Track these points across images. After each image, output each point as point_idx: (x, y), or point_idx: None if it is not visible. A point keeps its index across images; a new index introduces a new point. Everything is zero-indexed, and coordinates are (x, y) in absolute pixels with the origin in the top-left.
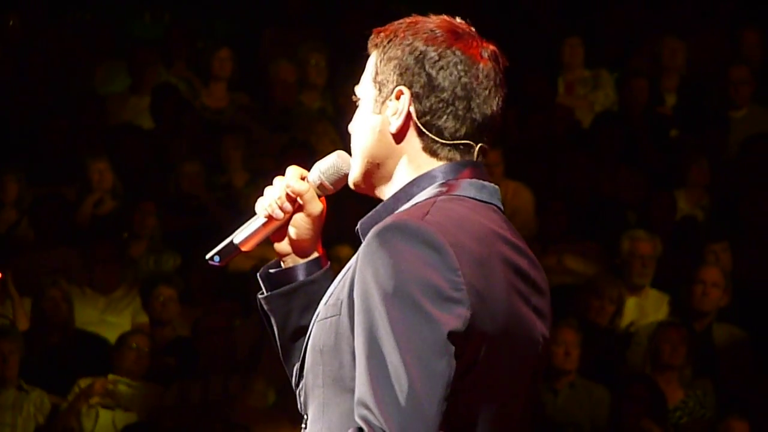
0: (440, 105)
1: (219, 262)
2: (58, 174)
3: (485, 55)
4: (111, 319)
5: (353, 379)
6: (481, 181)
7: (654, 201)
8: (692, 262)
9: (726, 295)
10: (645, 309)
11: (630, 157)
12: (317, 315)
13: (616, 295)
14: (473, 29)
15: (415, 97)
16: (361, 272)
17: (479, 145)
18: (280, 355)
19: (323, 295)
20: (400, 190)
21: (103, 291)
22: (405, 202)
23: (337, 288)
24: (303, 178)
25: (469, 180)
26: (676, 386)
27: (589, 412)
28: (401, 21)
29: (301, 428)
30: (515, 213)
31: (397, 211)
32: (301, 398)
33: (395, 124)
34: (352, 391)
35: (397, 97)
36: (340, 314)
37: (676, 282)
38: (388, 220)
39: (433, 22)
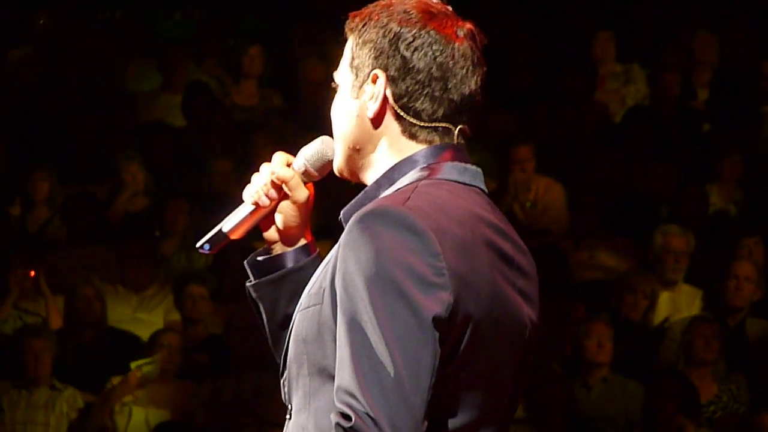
0: (416, 87)
1: (209, 249)
2: (90, 172)
3: (461, 33)
4: (143, 317)
5: None
6: (462, 164)
7: (686, 196)
8: (725, 256)
9: (759, 289)
10: (678, 304)
11: (662, 151)
12: (300, 304)
13: (649, 291)
14: (449, 8)
15: (391, 80)
16: (342, 259)
17: (459, 126)
18: (270, 342)
19: None
20: (382, 175)
21: (136, 289)
22: (387, 187)
23: (319, 277)
24: (290, 165)
25: (450, 163)
26: (709, 381)
27: (622, 407)
28: (376, 3)
29: (286, 419)
30: (547, 209)
31: (378, 198)
32: (285, 388)
33: (372, 108)
34: None
35: (374, 81)
36: (322, 303)
37: (709, 277)
38: (369, 206)
39: (408, 3)
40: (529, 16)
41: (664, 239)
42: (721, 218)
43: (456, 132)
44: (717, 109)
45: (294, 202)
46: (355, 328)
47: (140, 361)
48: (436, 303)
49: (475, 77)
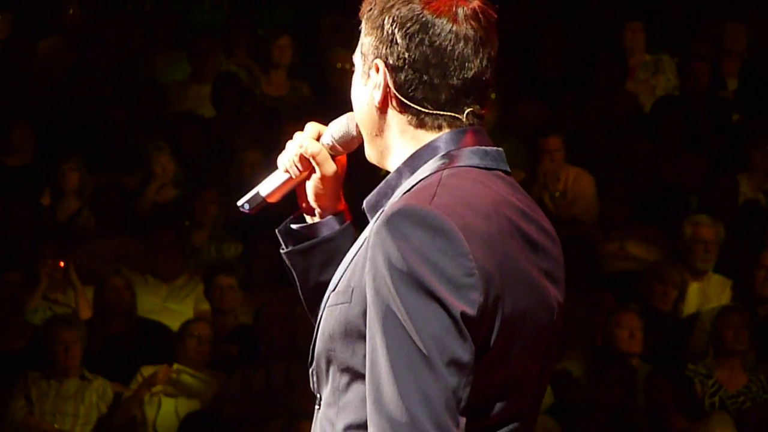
0: (415, 76)
1: (249, 209)
2: (120, 163)
3: (461, 14)
4: (173, 307)
5: (365, 366)
6: (483, 147)
7: (716, 186)
8: (755, 247)
9: None
10: (708, 294)
11: (692, 141)
12: (326, 299)
13: (678, 281)
14: None
15: (391, 70)
16: (372, 261)
17: (468, 110)
18: (305, 306)
19: (342, 253)
20: (403, 163)
21: (165, 279)
22: (409, 176)
23: (346, 273)
24: (320, 137)
25: (471, 148)
26: (739, 371)
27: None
28: None
29: (315, 408)
30: (576, 199)
31: (401, 188)
32: (314, 378)
33: (376, 97)
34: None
35: (376, 70)
36: (350, 302)
37: (738, 267)
38: (396, 205)
39: None
40: (559, 6)
41: (694, 229)
42: (751, 208)
43: (465, 116)
44: (746, 99)
45: (322, 176)
46: (388, 330)
47: (184, 368)
48: (467, 303)
49: (480, 57)
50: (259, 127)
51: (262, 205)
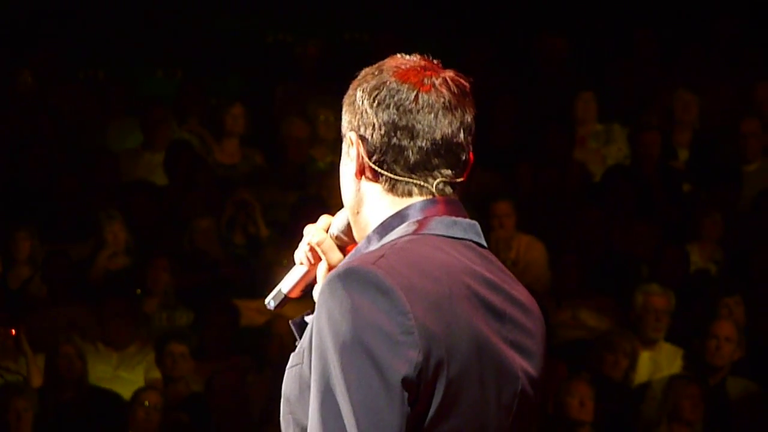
0: (384, 139)
1: (274, 307)
2: (71, 231)
3: (428, 82)
4: (124, 375)
5: None
6: (452, 218)
7: (667, 255)
8: (706, 316)
9: (740, 349)
10: (659, 363)
11: (643, 211)
12: (288, 363)
13: (629, 350)
14: (431, 62)
15: (363, 139)
16: (316, 320)
17: (439, 177)
18: None
19: None
20: (372, 231)
21: (117, 347)
22: (377, 243)
23: (305, 335)
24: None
25: (439, 217)
26: None
27: None
28: (364, 70)
29: None
30: (528, 267)
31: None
32: None
33: (352, 169)
34: None
35: (351, 143)
36: (302, 363)
37: (689, 336)
38: (340, 266)
39: (383, 62)
40: (511, 76)
41: (645, 298)
42: (702, 278)
43: (435, 183)
44: (697, 168)
45: (329, 265)
46: (324, 390)
47: None
48: (403, 363)
49: (449, 120)
50: (212, 195)
51: (285, 302)
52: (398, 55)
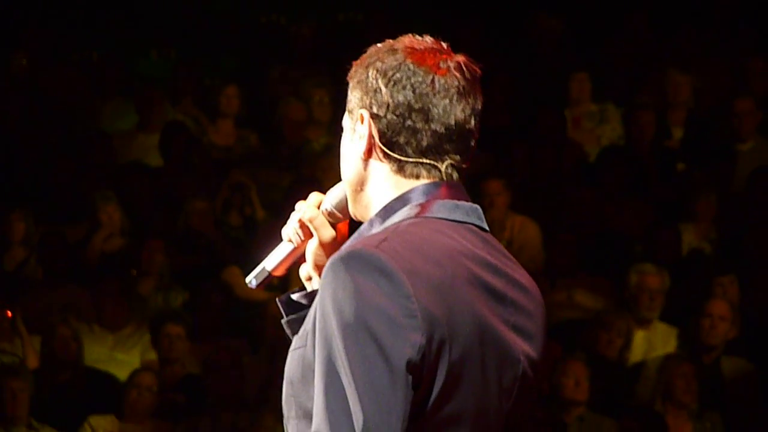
0: (397, 120)
1: (256, 285)
2: (66, 212)
3: (444, 66)
4: (120, 357)
5: None
6: (454, 201)
7: (661, 235)
8: (700, 295)
9: (734, 328)
10: (653, 343)
11: (637, 191)
12: (291, 345)
13: (624, 329)
14: (442, 44)
15: (375, 118)
16: (320, 303)
17: (448, 160)
18: None
19: None
20: (375, 214)
21: (112, 328)
22: (379, 226)
23: (308, 317)
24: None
25: (441, 201)
26: (684, 419)
27: None
28: (372, 48)
29: None
30: (522, 247)
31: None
32: (286, 426)
33: (361, 148)
34: None
35: (361, 121)
36: (306, 345)
37: (684, 315)
38: (343, 248)
39: (397, 42)
40: (506, 57)
41: (639, 278)
42: (696, 257)
43: (444, 166)
44: (692, 148)
45: (320, 241)
46: (328, 373)
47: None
48: (407, 346)
49: (462, 106)
50: (207, 177)
51: (268, 280)
52: (410, 35)
